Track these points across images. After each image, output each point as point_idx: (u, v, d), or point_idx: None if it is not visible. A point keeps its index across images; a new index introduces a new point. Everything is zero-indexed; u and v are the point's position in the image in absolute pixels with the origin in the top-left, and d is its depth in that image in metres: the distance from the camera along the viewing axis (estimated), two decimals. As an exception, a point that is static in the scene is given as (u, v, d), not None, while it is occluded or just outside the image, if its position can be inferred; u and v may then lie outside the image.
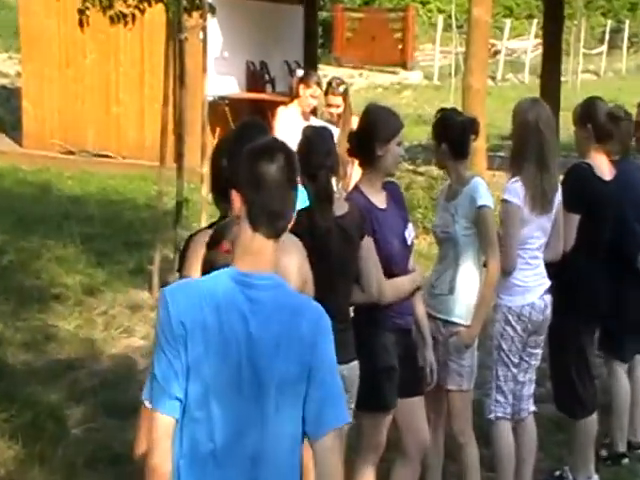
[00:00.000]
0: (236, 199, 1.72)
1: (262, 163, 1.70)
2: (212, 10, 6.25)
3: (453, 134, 3.23)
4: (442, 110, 3.38)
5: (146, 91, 10.06)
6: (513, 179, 3.33)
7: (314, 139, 2.84)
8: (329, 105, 5.12)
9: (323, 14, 18.47)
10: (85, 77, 10.42)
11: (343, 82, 5.25)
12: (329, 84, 5.19)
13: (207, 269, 1.93)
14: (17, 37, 13.23)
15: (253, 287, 1.69)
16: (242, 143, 2.27)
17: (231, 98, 10.38)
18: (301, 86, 5.30)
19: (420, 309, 3.14)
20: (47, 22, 10.45)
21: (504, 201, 3.33)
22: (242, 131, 2.46)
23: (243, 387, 1.65)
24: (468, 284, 3.25)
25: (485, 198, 3.22)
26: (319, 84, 5.39)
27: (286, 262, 2.30)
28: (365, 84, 18.84)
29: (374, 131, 2.97)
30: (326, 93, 5.14)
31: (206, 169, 5.21)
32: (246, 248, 1.71)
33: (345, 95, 5.13)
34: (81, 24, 6.00)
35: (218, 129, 9.66)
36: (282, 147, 1.76)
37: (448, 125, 3.26)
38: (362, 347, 2.86)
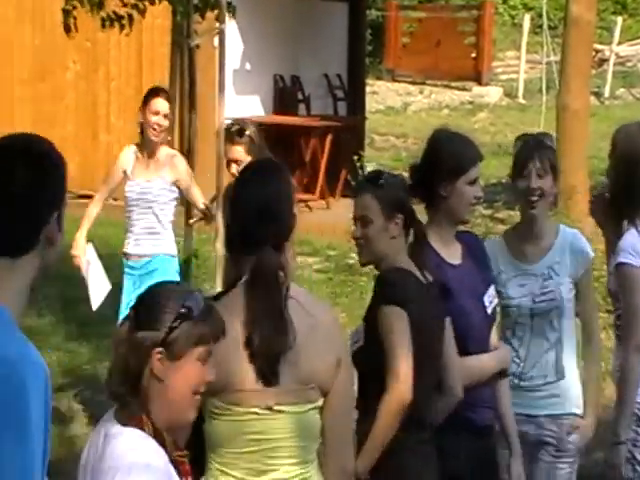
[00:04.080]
0: None
1: None
2: (232, 11, 6.41)
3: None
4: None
5: (144, 113, 10.26)
6: (630, 231, 3.33)
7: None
8: (228, 161, 4.56)
9: (372, 13, 18.81)
10: (66, 95, 10.75)
11: (246, 126, 4.61)
12: (227, 129, 4.66)
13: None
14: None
15: None
16: (249, 191, 2.34)
17: (254, 123, 10.60)
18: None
19: (506, 403, 3.09)
20: (18, 27, 10.83)
21: (622, 265, 3.29)
22: (250, 176, 2.51)
23: None
24: (574, 363, 3.28)
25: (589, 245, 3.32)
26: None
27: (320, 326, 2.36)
28: (427, 104, 19.05)
29: (436, 165, 3.00)
30: (226, 141, 4.64)
31: (221, 216, 5.28)
32: None
33: (249, 143, 4.50)
34: (67, 28, 6.21)
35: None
36: None
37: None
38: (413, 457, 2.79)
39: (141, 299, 2.11)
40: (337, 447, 2.41)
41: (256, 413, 2.31)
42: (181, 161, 5.20)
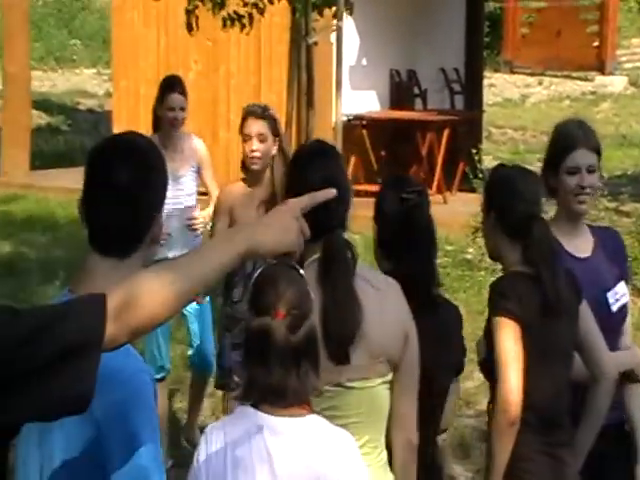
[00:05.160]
0: None
1: None
2: (349, 7, 6.46)
3: None
4: None
5: (263, 110, 10.43)
6: None
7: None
8: (248, 136, 4.12)
9: (490, 5, 18.57)
10: (189, 95, 10.98)
11: (268, 106, 4.28)
12: (246, 109, 4.24)
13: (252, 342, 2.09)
14: (107, 48, 14.22)
15: None
16: (317, 174, 2.28)
17: (370, 118, 10.58)
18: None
19: (634, 406, 3.00)
20: (144, 31, 11.17)
21: None
22: (309, 160, 2.42)
23: None
24: None
25: None
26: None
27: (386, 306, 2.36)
28: (546, 95, 18.66)
29: (548, 154, 2.96)
30: (247, 117, 4.19)
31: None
32: (81, 267, 1.84)
33: (274, 124, 4.14)
34: (189, 27, 6.39)
35: (353, 158, 9.86)
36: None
37: None
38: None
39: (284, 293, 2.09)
40: (404, 421, 2.41)
41: (327, 391, 2.29)
42: (200, 143, 5.09)
